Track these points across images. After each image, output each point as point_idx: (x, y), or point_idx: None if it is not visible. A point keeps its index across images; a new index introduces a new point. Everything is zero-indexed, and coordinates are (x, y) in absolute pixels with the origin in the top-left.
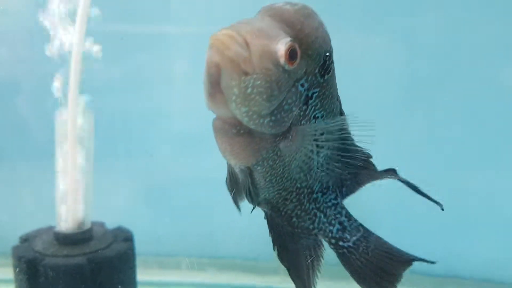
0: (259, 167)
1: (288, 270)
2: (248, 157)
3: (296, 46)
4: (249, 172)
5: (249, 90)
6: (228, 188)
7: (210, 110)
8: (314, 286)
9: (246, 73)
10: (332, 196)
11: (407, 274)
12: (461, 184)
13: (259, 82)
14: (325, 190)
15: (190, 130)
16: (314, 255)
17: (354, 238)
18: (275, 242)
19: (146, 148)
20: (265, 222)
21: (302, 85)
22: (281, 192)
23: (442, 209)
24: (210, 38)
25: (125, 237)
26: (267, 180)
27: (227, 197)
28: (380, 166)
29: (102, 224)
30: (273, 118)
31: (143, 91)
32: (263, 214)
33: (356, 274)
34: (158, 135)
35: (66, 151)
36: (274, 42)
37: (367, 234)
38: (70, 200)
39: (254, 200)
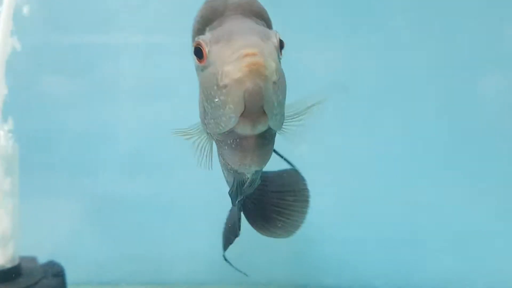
0: None
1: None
2: (268, 158)
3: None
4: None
5: (280, 97)
6: (235, 196)
7: (242, 132)
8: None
9: (275, 83)
10: None
11: None
12: (411, 199)
13: (282, 85)
14: None
15: (136, 151)
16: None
17: None
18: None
19: (89, 169)
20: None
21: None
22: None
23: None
24: (240, 66)
25: (55, 272)
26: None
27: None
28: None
29: (32, 259)
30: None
31: (85, 107)
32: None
33: None
34: (102, 155)
35: None
36: (273, 40)
37: None
38: None
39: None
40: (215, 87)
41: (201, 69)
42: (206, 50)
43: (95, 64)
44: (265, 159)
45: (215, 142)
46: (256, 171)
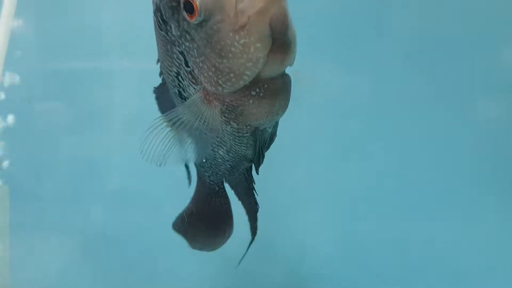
0: None
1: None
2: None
3: None
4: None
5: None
6: (258, 160)
7: (271, 72)
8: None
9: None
10: None
11: None
12: (402, 234)
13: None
14: None
15: (127, 186)
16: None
17: None
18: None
19: (80, 205)
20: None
21: None
22: None
23: None
24: None
25: None
26: None
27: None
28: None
29: None
30: None
31: (76, 137)
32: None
33: None
34: (92, 188)
35: None
36: None
37: None
38: None
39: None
40: (230, 34)
41: (198, 27)
42: (197, 1)
43: (87, 91)
44: (289, 99)
45: (227, 110)
46: (276, 122)
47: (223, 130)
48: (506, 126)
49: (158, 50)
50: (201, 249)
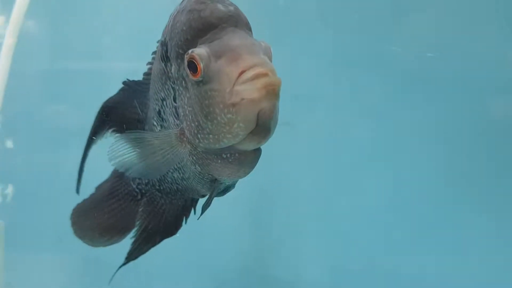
0: None
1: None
2: None
3: None
4: None
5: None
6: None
7: (246, 147)
8: None
9: None
10: None
11: None
12: (392, 267)
13: None
14: None
15: None
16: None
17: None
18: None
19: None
20: None
21: None
22: None
23: None
24: (256, 86)
25: None
26: None
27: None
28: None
29: None
30: None
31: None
32: None
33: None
34: None
35: None
36: (269, 54)
37: None
38: None
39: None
40: (220, 105)
41: (195, 84)
42: (202, 64)
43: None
44: (254, 167)
45: (196, 155)
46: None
47: (187, 165)
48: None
49: (153, 68)
50: (82, 237)
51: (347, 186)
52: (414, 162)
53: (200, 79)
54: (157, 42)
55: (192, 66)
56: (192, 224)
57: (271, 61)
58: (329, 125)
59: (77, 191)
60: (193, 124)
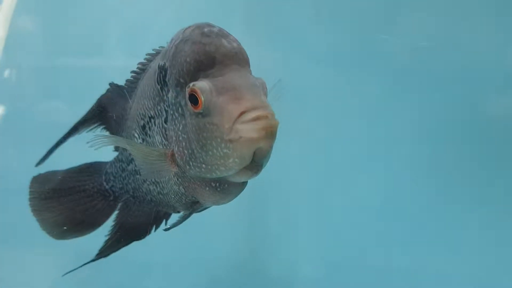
0: None
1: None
2: None
3: None
4: None
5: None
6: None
7: (237, 180)
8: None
9: None
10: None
11: None
12: (386, 263)
13: None
14: None
15: None
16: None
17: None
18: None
19: None
20: None
21: None
22: None
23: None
24: (256, 127)
25: None
26: None
27: None
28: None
29: None
30: None
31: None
32: None
33: None
34: None
35: None
36: (265, 92)
37: None
38: None
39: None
40: (218, 139)
41: (194, 115)
42: (202, 98)
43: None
44: (237, 195)
45: (182, 177)
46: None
47: (170, 184)
48: None
49: (143, 84)
50: (44, 227)
51: (341, 183)
52: (407, 160)
53: (201, 111)
54: (152, 47)
55: (193, 98)
56: (186, 221)
57: (266, 95)
58: (322, 122)
59: (37, 164)
60: (186, 151)
